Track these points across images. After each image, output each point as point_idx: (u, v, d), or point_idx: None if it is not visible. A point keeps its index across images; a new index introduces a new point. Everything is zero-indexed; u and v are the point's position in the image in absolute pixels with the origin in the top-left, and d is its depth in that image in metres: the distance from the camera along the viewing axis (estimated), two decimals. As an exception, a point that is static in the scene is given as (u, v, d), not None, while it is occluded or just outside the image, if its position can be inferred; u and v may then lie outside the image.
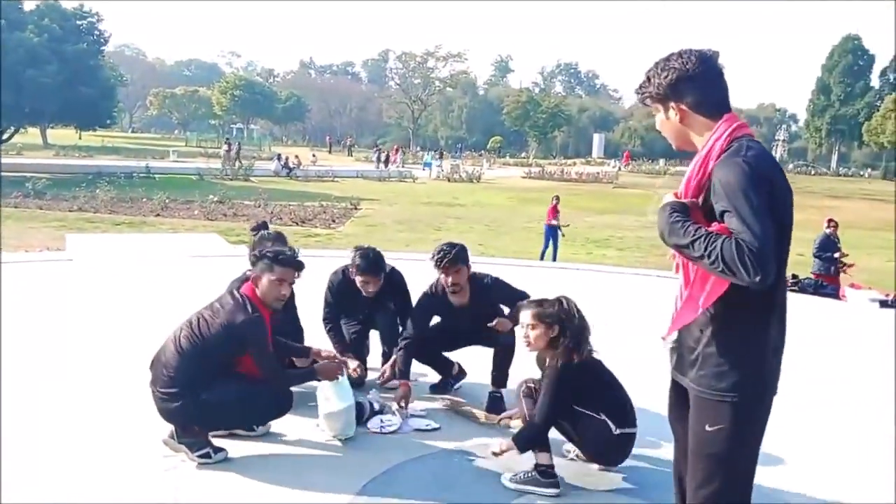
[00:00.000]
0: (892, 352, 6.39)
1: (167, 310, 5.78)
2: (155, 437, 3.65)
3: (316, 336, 4.68)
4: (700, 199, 2.19)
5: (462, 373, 4.85)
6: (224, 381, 3.53)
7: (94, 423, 3.99)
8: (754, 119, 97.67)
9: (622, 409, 3.58)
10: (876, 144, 60.71)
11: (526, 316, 3.55)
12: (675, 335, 2.34)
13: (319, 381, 3.87)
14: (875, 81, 72.79)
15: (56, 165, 29.86)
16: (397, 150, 51.17)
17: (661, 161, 60.21)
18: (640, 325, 6.20)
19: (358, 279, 4.59)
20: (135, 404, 4.27)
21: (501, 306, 4.56)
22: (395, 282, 4.79)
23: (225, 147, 37.25)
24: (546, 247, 14.51)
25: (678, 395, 2.39)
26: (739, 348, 2.16)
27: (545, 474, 3.47)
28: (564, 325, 3.50)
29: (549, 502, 3.40)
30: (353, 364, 4.52)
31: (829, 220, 11.19)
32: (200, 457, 3.54)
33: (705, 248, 2.00)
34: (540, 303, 3.59)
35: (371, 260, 4.57)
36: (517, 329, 3.84)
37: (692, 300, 2.17)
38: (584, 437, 3.56)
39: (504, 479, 3.53)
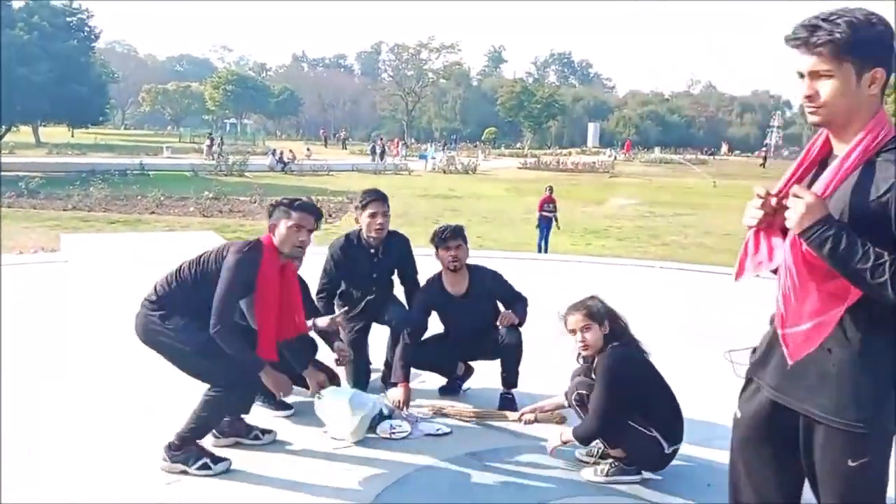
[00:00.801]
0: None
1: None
2: (158, 439, 3.53)
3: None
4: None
5: (469, 371, 4.73)
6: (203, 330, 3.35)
7: (94, 426, 3.88)
8: (749, 106, 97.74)
9: (675, 422, 3.46)
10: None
11: (576, 320, 3.45)
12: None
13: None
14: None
15: (49, 164, 29.58)
16: (398, 143, 50.96)
17: (657, 150, 60.22)
18: (652, 317, 6.08)
19: (366, 213, 4.55)
20: (134, 407, 4.16)
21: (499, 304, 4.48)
22: (399, 243, 4.75)
23: (207, 142, 37.09)
24: (541, 238, 14.39)
25: (774, 421, 2.07)
26: (879, 371, 1.88)
27: (626, 465, 3.45)
28: (613, 320, 3.44)
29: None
30: (322, 322, 4.17)
31: None
32: (199, 468, 3.42)
33: (874, 270, 1.74)
34: (583, 303, 3.51)
35: (377, 190, 4.71)
36: (562, 336, 3.68)
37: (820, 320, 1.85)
38: (633, 454, 3.45)
39: (586, 474, 3.50)
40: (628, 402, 3.35)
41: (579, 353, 3.54)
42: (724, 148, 67.59)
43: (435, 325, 4.62)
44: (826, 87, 1.84)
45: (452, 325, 4.55)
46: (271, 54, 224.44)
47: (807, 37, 1.83)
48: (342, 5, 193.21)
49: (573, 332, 3.44)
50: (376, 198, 4.59)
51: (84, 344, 5.47)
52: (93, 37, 43.61)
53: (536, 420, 3.92)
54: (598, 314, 3.43)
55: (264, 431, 3.79)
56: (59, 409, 4.15)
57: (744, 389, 2.18)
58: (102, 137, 52.26)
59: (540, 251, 13.81)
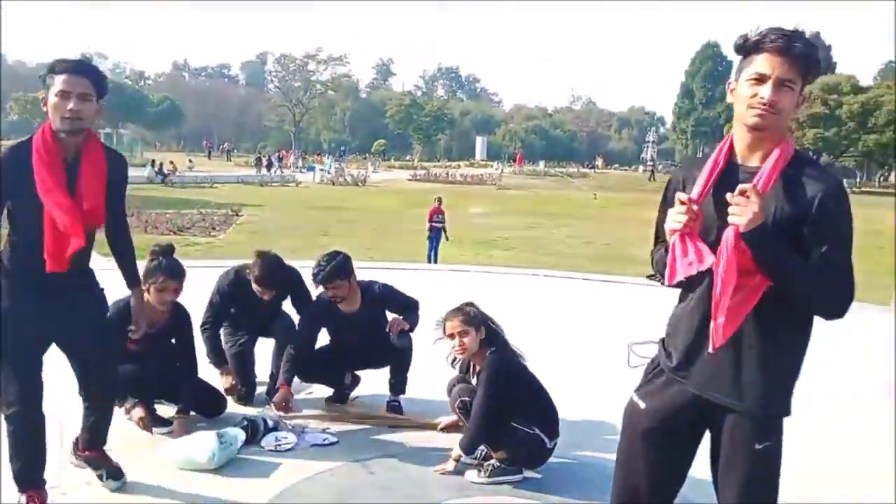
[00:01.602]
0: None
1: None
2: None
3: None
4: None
5: (356, 380, 4.72)
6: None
7: None
8: (625, 121, 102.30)
9: (553, 417, 3.60)
10: (734, 145, 65.01)
11: (454, 324, 3.53)
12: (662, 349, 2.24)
13: None
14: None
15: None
16: (291, 154, 50.01)
17: (541, 163, 62.00)
18: (539, 325, 6.28)
19: (255, 287, 4.38)
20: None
21: (393, 315, 4.50)
22: (292, 286, 4.59)
23: None
24: (431, 248, 14.57)
25: (687, 415, 2.18)
26: (787, 361, 2.07)
27: (508, 465, 3.51)
28: (488, 325, 3.53)
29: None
30: (226, 380, 4.38)
31: None
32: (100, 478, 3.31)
33: (807, 279, 1.93)
34: (461, 309, 3.60)
35: (271, 269, 4.35)
36: (441, 341, 3.76)
37: (736, 311, 1.99)
38: (517, 453, 3.54)
39: (470, 476, 3.53)
40: (510, 404, 3.46)
41: (454, 358, 3.64)
42: (600, 161, 70.51)
43: (322, 337, 4.60)
44: (785, 97, 1.95)
45: (342, 339, 4.52)
46: (150, 62, 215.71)
47: (787, 45, 1.93)
48: (225, 14, 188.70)
49: (451, 336, 3.54)
50: (264, 282, 4.33)
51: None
52: (-49, 40, 40.65)
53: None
54: (474, 319, 3.54)
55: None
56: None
57: (649, 382, 2.26)
58: (-38, 147, 48.63)
59: (430, 261, 13.97)
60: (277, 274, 4.38)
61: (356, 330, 4.40)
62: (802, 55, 1.93)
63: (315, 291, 4.51)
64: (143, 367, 3.90)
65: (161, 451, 3.71)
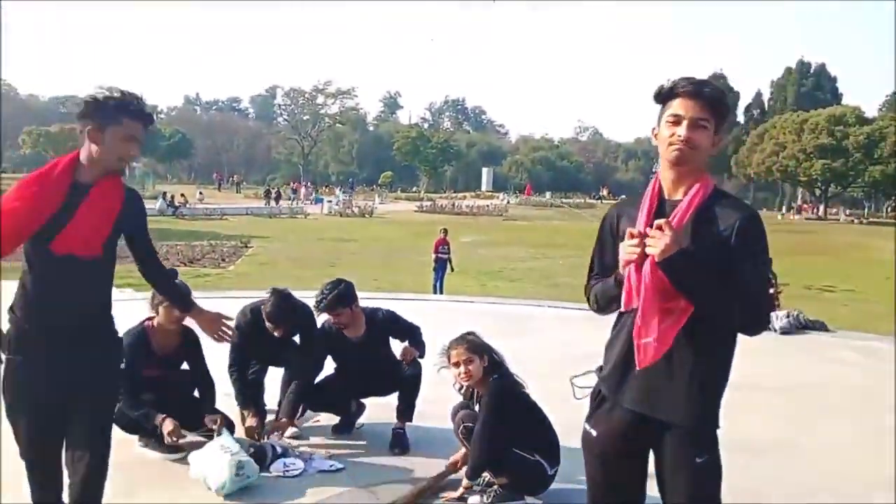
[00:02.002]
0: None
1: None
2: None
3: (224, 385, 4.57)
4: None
5: (361, 407, 4.82)
6: None
7: None
8: (632, 152, 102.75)
9: (554, 445, 3.69)
10: (743, 176, 65.15)
11: (459, 352, 3.66)
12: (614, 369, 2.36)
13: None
14: (740, 117, 78.37)
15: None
16: (302, 186, 50.46)
17: (548, 194, 62.35)
18: (543, 355, 6.38)
19: (268, 324, 4.52)
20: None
21: (399, 344, 4.62)
22: (303, 322, 4.71)
23: None
24: (437, 279, 14.70)
25: (631, 436, 2.32)
26: (717, 377, 2.26)
27: (509, 492, 3.59)
28: (491, 354, 3.66)
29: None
30: (250, 421, 4.51)
31: None
32: None
33: (722, 300, 2.11)
34: (464, 337, 3.74)
35: (281, 310, 4.48)
36: (442, 370, 3.88)
37: (666, 333, 2.16)
38: (518, 479, 3.64)
39: (473, 501, 3.63)
40: (511, 431, 3.57)
41: (461, 386, 3.76)
42: (604, 192, 70.79)
43: (327, 367, 4.72)
44: (700, 135, 2.19)
45: (348, 366, 4.65)
46: (162, 96, 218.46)
47: (698, 89, 2.19)
48: (236, 48, 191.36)
49: (456, 364, 3.65)
50: (276, 320, 4.45)
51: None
52: (-34, 76, 41.42)
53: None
54: (478, 348, 3.67)
55: None
56: None
57: (596, 409, 2.43)
58: (-25, 181, 49.33)
59: (435, 292, 14.08)
60: (288, 312, 4.52)
61: (361, 356, 4.53)
62: (711, 97, 2.19)
63: (319, 319, 4.65)
64: (160, 392, 4.05)
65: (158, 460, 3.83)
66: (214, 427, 3.98)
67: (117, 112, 2.65)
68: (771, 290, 11.09)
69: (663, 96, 2.24)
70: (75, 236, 2.62)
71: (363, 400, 4.80)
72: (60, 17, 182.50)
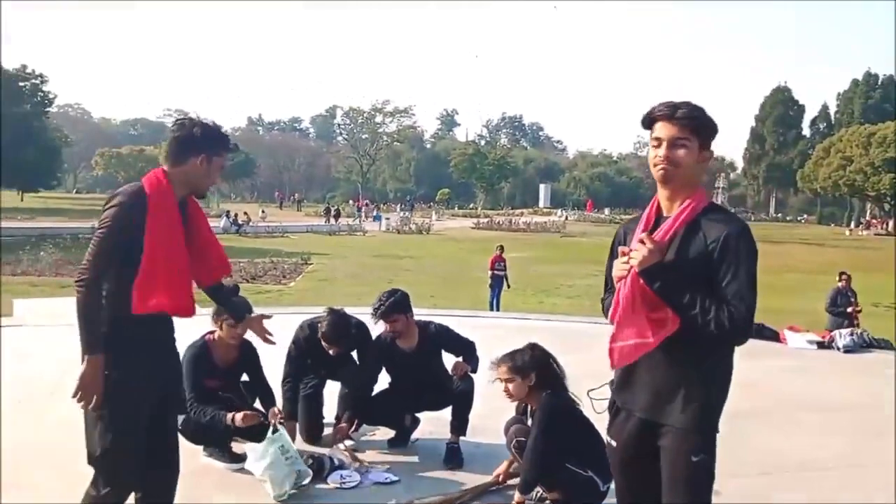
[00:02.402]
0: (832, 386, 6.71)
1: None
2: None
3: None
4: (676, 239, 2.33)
5: (415, 422, 4.91)
6: None
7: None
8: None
9: (607, 462, 3.70)
10: (810, 191, 63.41)
11: (501, 371, 3.74)
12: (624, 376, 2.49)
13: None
14: (806, 130, 76.34)
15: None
16: (364, 203, 51.29)
17: (606, 210, 61.77)
18: (597, 372, 6.36)
19: (324, 343, 4.68)
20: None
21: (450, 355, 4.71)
22: (360, 339, 4.87)
23: None
24: (493, 295, 14.73)
25: (646, 437, 2.44)
26: (713, 381, 2.37)
27: None
28: (540, 371, 3.70)
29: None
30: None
31: (842, 274, 11.41)
32: None
33: (701, 310, 2.21)
34: (512, 355, 3.80)
35: (337, 329, 4.64)
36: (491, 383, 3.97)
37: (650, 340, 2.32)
38: (572, 494, 3.68)
39: None
40: (563, 447, 3.61)
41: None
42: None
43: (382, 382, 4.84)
44: (680, 153, 2.33)
45: (401, 379, 4.76)
46: (227, 117, 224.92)
47: (672, 112, 2.33)
48: (297, 70, 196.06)
49: (500, 380, 3.73)
50: (332, 340, 4.62)
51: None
52: (46, 101, 43.59)
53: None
54: (522, 368, 3.72)
55: None
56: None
57: (613, 420, 2.57)
58: (53, 202, 51.53)
59: (492, 309, 14.12)
60: (344, 332, 4.69)
61: (414, 368, 4.64)
62: (685, 118, 2.32)
63: (375, 330, 4.78)
64: (221, 403, 4.23)
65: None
66: (275, 420, 4.14)
67: (224, 144, 2.93)
68: (849, 309, 10.80)
69: (646, 122, 2.41)
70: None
71: (418, 415, 4.89)
72: (131, 43, 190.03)
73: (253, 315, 3.49)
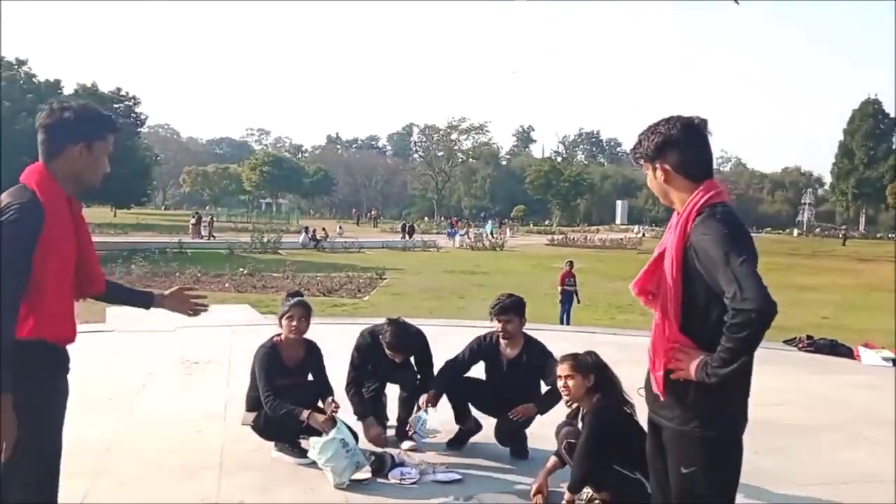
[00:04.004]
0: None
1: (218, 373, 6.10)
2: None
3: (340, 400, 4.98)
4: (681, 259, 2.36)
5: (478, 427, 5.01)
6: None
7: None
8: (779, 183, 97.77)
9: None
10: (901, 206, 60.50)
11: (563, 368, 3.89)
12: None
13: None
14: (896, 144, 73.00)
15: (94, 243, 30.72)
16: (456, 221, 51.95)
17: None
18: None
19: (387, 350, 4.93)
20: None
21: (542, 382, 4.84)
22: (419, 346, 5.10)
23: (192, 220, 38.34)
24: (564, 311, 14.71)
25: (655, 438, 2.57)
26: (721, 384, 2.30)
27: None
28: (599, 374, 3.84)
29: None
30: (372, 431, 4.92)
31: None
32: None
33: (735, 357, 2.18)
34: (574, 355, 3.97)
35: (400, 337, 4.92)
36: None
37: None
38: (620, 496, 3.77)
39: None
40: (613, 449, 3.71)
41: (566, 401, 3.96)
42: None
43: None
44: (651, 180, 2.58)
45: (492, 380, 4.92)
46: (307, 136, 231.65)
47: (632, 153, 2.64)
48: (375, 89, 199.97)
49: (560, 377, 3.87)
50: (395, 347, 4.88)
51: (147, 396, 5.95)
52: (139, 122, 45.87)
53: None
54: (583, 366, 3.86)
55: None
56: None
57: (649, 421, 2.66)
58: (143, 217, 54.08)
59: (562, 324, 14.10)
60: (407, 340, 4.95)
61: (508, 377, 4.80)
62: (636, 153, 2.58)
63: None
64: (290, 400, 4.50)
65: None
66: (332, 410, 4.42)
67: (100, 127, 2.59)
68: None
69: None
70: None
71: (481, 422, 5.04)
72: (215, 64, 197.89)
73: (168, 292, 3.14)
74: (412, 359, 5.13)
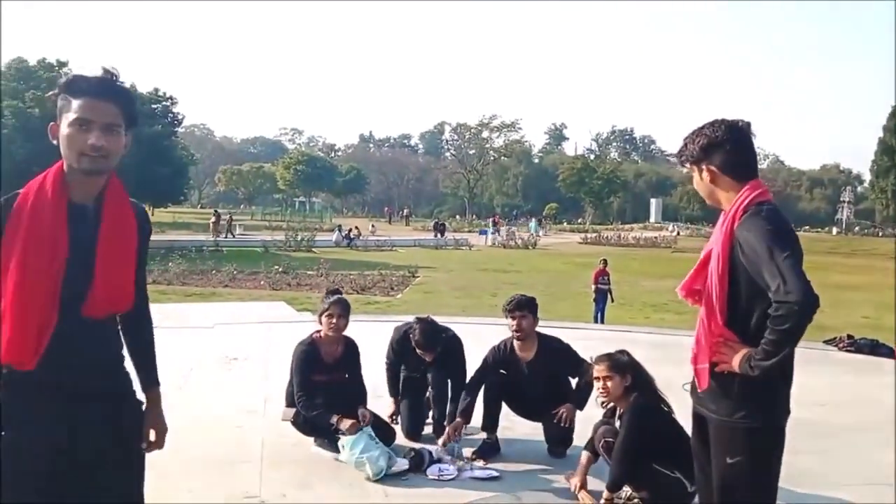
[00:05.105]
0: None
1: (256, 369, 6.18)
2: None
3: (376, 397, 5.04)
4: (727, 256, 2.42)
5: (497, 444, 4.89)
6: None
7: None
8: (818, 181, 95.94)
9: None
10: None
11: (600, 369, 3.88)
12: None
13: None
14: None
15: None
16: (497, 218, 52.12)
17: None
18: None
19: (418, 351, 5.00)
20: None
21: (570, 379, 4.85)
22: (450, 349, 5.14)
23: (213, 218, 38.75)
24: (598, 310, 14.64)
25: (702, 430, 2.61)
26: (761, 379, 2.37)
27: None
28: (635, 373, 3.84)
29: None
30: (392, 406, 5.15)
31: None
32: None
33: (778, 349, 2.25)
34: (609, 355, 3.96)
35: (427, 337, 4.98)
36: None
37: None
38: (659, 494, 3.77)
39: None
40: (650, 448, 3.71)
41: (603, 402, 3.96)
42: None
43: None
44: (695, 184, 2.66)
45: (515, 386, 4.91)
46: (340, 135, 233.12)
47: (677, 156, 2.70)
48: (407, 87, 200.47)
49: (597, 379, 3.87)
50: (423, 346, 4.96)
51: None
52: (176, 122, 46.56)
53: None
54: (620, 366, 3.85)
55: None
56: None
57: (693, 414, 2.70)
58: (179, 216, 54.90)
59: (596, 322, 14.04)
60: (435, 339, 5.01)
61: (528, 379, 4.81)
62: (680, 157, 2.67)
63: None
64: (328, 396, 4.58)
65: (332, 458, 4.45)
66: (363, 422, 4.52)
67: (62, 88, 2.04)
68: None
69: None
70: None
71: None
72: (249, 64, 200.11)
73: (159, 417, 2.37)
74: (444, 362, 5.16)
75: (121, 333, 2.26)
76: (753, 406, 2.41)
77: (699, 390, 2.54)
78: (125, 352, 2.26)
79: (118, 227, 2.11)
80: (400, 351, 5.22)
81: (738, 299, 2.41)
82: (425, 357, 5.01)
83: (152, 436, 2.32)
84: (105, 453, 2.11)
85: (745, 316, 2.41)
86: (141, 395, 2.31)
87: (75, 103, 1.99)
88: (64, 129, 2.00)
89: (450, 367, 5.14)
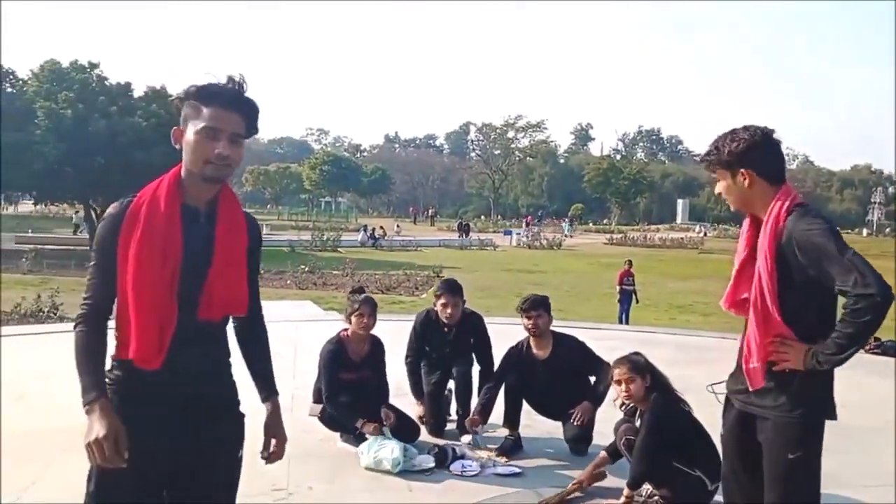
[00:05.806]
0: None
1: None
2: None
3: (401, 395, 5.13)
4: (775, 256, 2.43)
5: (519, 441, 4.95)
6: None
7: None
8: (848, 181, 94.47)
9: (715, 461, 3.82)
10: None
11: (621, 371, 3.92)
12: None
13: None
14: None
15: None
16: (530, 219, 52.31)
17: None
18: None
19: (439, 303, 5.12)
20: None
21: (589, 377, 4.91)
22: (474, 323, 5.32)
23: None
24: (622, 311, 14.62)
25: (743, 428, 2.63)
26: (813, 376, 2.43)
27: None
28: (654, 373, 3.90)
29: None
30: (419, 409, 5.19)
31: None
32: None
33: (853, 342, 2.32)
34: (628, 358, 4.00)
35: (451, 282, 5.26)
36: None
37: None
38: (679, 492, 3.82)
39: None
40: (671, 446, 3.76)
41: (623, 403, 4.00)
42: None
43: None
44: (720, 189, 2.63)
45: (533, 385, 4.98)
46: (365, 135, 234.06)
47: (703, 159, 2.68)
48: (433, 88, 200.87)
49: (618, 382, 3.91)
50: (447, 290, 5.21)
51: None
52: (204, 124, 46.93)
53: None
54: (640, 368, 3.90)
55: None
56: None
57: (724, 411, 2.72)
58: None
59: (621, 323, 14.03)
60: (457, 286, 5.24)
61: (546, 377, 4.87)
62: (706, 161, 2.66)
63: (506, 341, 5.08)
64: (355, 394, 4.69)
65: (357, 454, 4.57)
66: (387, 421, 4.64)
67: (189, 95, 2.10)
68: None
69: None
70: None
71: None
72: (275, 66, 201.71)
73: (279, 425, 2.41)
74: (472, 343, 5.29)
75: (237, 342, 2.32)
76: (812, 402, 2.46)
77: (751, 389, 2.53)
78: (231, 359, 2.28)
79: (232, 230, 2.15)
80: (422, 332, 5.31)
81: (790, 298, 2.42)
82: (447, 310, 5.11)
83: (272, 445, 2.36)
84: (209, 459, 2.16)
85: (800, 313, 2.42)
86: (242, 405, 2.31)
87: (206, 111, 2.05)
88: (190, 136, 2.06)
89: (478, 353, 5.28)
